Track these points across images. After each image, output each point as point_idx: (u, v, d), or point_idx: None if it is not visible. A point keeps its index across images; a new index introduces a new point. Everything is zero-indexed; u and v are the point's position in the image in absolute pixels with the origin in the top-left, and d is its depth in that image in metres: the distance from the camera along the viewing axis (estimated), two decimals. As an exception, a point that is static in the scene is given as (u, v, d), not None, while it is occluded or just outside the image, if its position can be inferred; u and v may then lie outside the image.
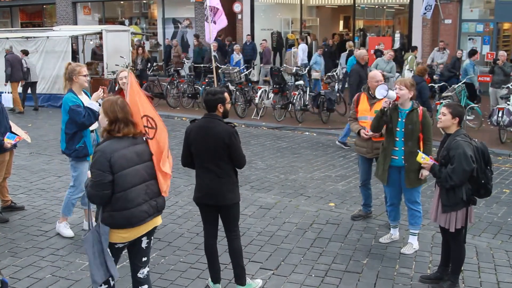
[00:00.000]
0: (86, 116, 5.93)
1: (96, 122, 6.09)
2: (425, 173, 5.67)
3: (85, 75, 6.13)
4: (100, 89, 6.18)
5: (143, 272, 4.29)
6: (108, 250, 4.00)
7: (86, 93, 6.32)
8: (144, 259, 4.28)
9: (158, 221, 4.27)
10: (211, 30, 12.85)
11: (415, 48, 17.12)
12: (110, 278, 4.15)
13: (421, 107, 5.80)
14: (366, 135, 6.47)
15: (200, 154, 4.85)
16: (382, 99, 6.11)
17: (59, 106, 13.88)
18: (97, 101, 6.04)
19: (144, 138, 4.17)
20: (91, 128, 6.23)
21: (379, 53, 16.56)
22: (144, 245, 4.23)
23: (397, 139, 5.83)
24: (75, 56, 18.71)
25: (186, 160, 5.00)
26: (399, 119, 5.79)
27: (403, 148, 5.81)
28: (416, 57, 16.43)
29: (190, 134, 4.87)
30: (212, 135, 4.76)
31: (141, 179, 4.05)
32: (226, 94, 4.90)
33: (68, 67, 6.13)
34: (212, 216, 5.03)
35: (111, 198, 3.95)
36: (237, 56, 16.98)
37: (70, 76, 6.08)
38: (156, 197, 4.19)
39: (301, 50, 18.41)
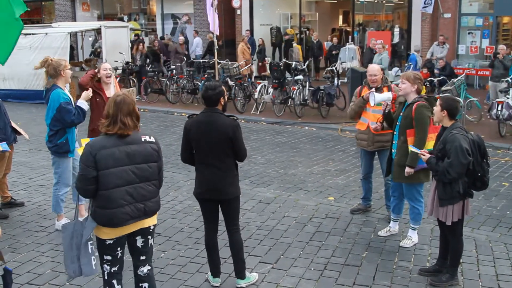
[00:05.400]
0: (76, 115, 5.94)
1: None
2: (407, 170, 5.63)
3: (70, 68, 6.13)
4: (89, 89, 6.25)
5: (142, 271, 4.24)
6: (90, 246, 3.99)
7: None
8: (142, 257, 4.21)
9: (146, 223, 4.10)
10: (216, 20, 12.89)
11: None
12: (114, 282, 4.14)
13: (417, 102, 5.63)
14: (367, 94, 6.33)
15: (202, 149, 4.83)
16: (382, 93, 6.27)
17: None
18: (86, 100, 6.10)
19: (143, 139, 4.03)
20: None
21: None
22: (139, 244, 4.15)
23: (395, 132, 5.87)
24: (72, 53, 18.68)
25: (185, 156, 4.97)
26: (401, 114, 5.82)
27: (397, 142, 5.84)
28: None
29: (191, 130, 4.83)
30: (215, 130, 4.74)
31: (126, 180, 3.91)
32: (223, 87, 4.93)
33: (51, 63, 6.05)
34: (212, 211, 5.04)
35: (96, 194, 3.93)
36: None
37: (56, 71, 6.00)
38: (146, 200, 4.02)
39: (195, 43, 19.98)
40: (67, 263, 4.07)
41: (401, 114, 5.81)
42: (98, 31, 19.27)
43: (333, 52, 18.83)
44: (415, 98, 5.70)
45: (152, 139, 4.07)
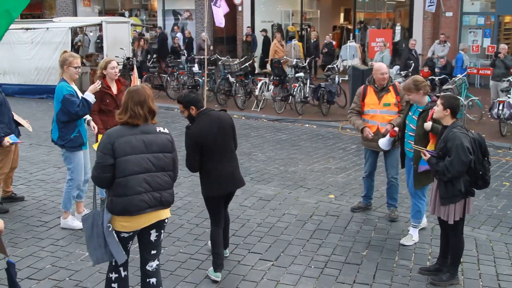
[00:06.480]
0: (80, 106, 5.91)
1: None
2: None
3: (75, 67, 6.04)
4: (98, 81, 6.21)
5: (151, 265, 4.26)
6: (114, 234, 4.02)
7: None
8: (153, 252, 4.25)
9: (163, 214, 4.15)
10: (220, 14, 12.79)
11: None
12: (121, 269, 4.19)
13: (433, 109, 5.41)
14: (370, 134, 6.41)
15: (218, 148, 4.95)
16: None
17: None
18: (93, 93, 6.05)
19: (158, 129, 4.11)
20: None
21: None
22: (153, 238, 4.19)
23: (406, 131, 5.92)
24: (72, 49, 18.58)
25: (195, 165, 4.98)
26: (409, 113, 5.86)
27: (410, 141, 5.81)
28: None
29: (202, 134, 4.87)
30: (224, 125, 5.00)
31: (144, 168, 3.99)
32: None
33: (61, 55, 6.09)
34: (223, 204, 5.26)
35: (112, 183, 3.98)
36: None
37: (62, 65, 6.03)
38: (162, 190, 4.08)
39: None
40: (90, 251, 4.14)
41: (409, 114, 5.83)
42: (80, 27, 19.17)
43: (323, 51, 18.59)
44: (429, 104, 5.67)
45: (166, 130, 4.19)
